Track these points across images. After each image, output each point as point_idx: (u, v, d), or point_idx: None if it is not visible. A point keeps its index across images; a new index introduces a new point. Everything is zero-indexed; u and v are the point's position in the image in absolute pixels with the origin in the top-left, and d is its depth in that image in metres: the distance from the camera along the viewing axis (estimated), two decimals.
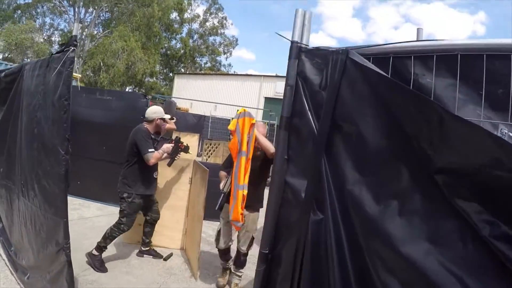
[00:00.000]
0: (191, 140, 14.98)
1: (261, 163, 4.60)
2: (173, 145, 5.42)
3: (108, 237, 5.03)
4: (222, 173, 4.95)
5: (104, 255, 5.17)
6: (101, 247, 5.03)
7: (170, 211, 6.12)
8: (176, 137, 5.66)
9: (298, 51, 2.26)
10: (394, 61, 2.08)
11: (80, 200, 8.01)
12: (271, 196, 2.37)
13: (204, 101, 15.90)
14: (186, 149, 5.63)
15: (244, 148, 4.06)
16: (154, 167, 5.36)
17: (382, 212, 1.81)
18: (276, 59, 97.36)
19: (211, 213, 5.73)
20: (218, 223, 5.09)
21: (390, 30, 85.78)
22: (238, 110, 4.38)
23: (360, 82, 1.97)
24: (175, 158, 5.53)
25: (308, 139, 2.19)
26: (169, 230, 6.14)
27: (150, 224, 5.62)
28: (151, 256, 5.66)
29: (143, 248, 5.69)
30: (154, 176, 5.41)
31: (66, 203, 3.54)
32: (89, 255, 5.05)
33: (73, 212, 7.19)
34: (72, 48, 3.38)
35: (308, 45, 2.26)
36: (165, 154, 5.29)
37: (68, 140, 3.44)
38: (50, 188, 3.65)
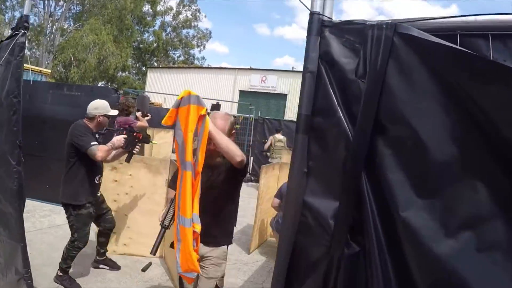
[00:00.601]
0: (165, 136, 14.37)
1: (225, 176, 2.95)
2: (125, 136, 4.33)
3: (67, 258, 4.34)
4: (171, 192, 3.19)
5: (76, 268, 4.59)
6: (63, 269, 4.37)
7: (146, 216, 5.48)
8: (128, 127, 4.78)
9: (319, 26, 1.65)
10: (462, 41, 1.48)
11: (51, 206, 7.20)
12: (285, 221, 1.77)
13: (178, 95, 15.28)
14: (146, 140, 4.56)
15: (189, 157, 2.33)
16: (97, 170, 4.46)
17: (452, 247, 1.28)
18: (249, 53, 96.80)
19: None
20: None
21: None
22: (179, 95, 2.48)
23: (418, 65, 1.39)
24: (134, 152, 4.44)
25: (339, 146, 1.59)
26: (146, 237, 5.47)
27: (105, 234, 4.89)
28: (108, 267, 4.97)
29: (98, 258, 4.98)
30: (96, 181, 4.47)
31: (22, 225, 2.82)
32: (56, 277, 4.39)
33: (43, 219, 6.58)
34: (22, 31, 2.65)
35: (331, 18, 1.67)
36: (114, 152, 4.31)
37: (20, 147, 2.67)
38: (2, 206, 2.91)
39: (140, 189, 5.52)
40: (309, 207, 1.68)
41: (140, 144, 4.52)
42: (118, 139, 4.25)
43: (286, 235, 1.74)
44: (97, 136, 4.37)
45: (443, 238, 1.30)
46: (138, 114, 7.12)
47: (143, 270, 5.04)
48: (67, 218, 4.33)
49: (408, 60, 1.42)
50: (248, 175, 13.94)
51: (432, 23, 1.51)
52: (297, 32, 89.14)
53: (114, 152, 4.29)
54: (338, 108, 1.59)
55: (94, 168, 4.37)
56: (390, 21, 1.46)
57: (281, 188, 5.88)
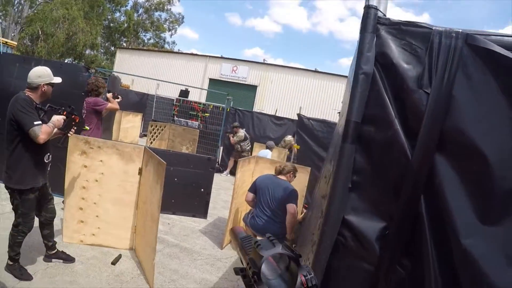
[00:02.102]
0: (134, 119, 13.89)
1: None
2: (65, 117, 4.01)
3: (14, 245, 4.00)
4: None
5: (41, 260, 4.31)
6: (12, 257, 4.04)
7: (116, 206, 5.20)
8: (69, 106, 4.18)
9: (375, 23, 1.45)
10: None
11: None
12: (322, 239, 1.55)
13: (148, 78, 14.67)
14: (80, 124, 4.31)
15: None
16: (45, 148, 4.00)
17: None
18: (219, 41, 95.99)
19: (163, 205, 4.62)
20: (171, 216, 4.01)
21: (335, 22, 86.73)
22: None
23: (490, 81, 1.22)
24: (69, 134, 4.17)
25: (392, 162, 1.40)
26: (116, 228, 5.22)
27: (47, 225, 4.43)
28: (61, 260, 4.55)
29: (49, 252, 4.54)
30: (46, 160, 4.05)
31: None
32: (7, 267, 4.07)
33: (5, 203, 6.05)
34: None
35: (386, 16, 1.46)
36: (56, 129, 3.97)
37: None
38: None
39: (111, 176, 5.20)
40: (349, 226, 1.48)
41: (75, 128, 4.25)
42: (58, 119, 3.93)
43: (321, 255, 1.53)
44: (39, 113, 3.85)
45: (506, 269, 1.14)
46: (109, 95, 6.78)
47: (113, 263, 4.76)
48: (11, 202, 3.96)
49: (478, 74, 1.26)
50: (216, 165, 13.70)
51: (507, 39, 1.32)
52: (268, 24, 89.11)
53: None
54: (395, 120, 1.39)
55: (42, 146, 3.86)
56: (460, 31, 1.28)
57: (256, 182, 5.74)
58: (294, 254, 0.94)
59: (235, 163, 13.03)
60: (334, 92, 29.05)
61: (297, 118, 14.20)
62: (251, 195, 5.76)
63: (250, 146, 12.56)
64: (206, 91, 30.76)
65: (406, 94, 1.38)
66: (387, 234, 1.38)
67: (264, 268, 0.95)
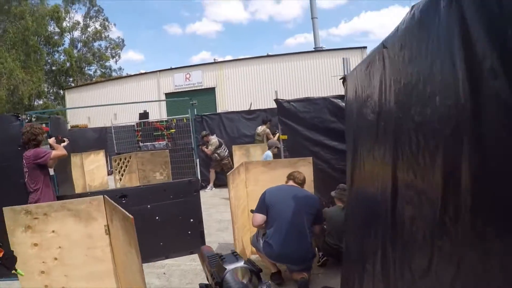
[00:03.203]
0: (97, 159, 12.29)
1: None
2: None
3: None
4: None
5: None
6: None
7: (92, 282, 3.81)
8: None
9: None
10: None
11: None
12: None
13: (97, 106, 13.26)
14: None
15: None
16: None
17: None
18: (166, 55, 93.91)
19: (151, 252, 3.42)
20: (165, 262, 2.97)
21: (272, 6, 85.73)
22: None
23: None
24: None
25: None
26: None
27: None
28: None
29: None
30: None
31: None
32: None
33: None
34: None
35: None
36: None
37: None
38: None
39: (72, 248, 3.79)
40: None
41: None
42: None
43: None
44: None
45: None
46: (51, 140, 5.39)
47: None
48: None
49: None
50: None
51: None
52: (208, 25, 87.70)
53: None
54: None
55: None
56: None
57: (265, 199, 4.45)
58: (255, 268, 1.05)
59: (217, 174, 11.72)
60: (292, 72, 27.82)
61: (268, 107, 13.02)
62: (261, 217, 4.50)
63: (227, 151, 11.15)
64: (165, 107, 29.19)
65: None
66: None
67: (229, 279, 1.04)
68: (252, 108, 14.48)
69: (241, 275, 1.20)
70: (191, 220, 5.99)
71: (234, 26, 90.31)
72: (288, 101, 7.05)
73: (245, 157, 9.56)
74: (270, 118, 11.38)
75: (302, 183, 4.75)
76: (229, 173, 4.91)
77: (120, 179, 9.73)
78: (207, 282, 1.34)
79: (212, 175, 11.53)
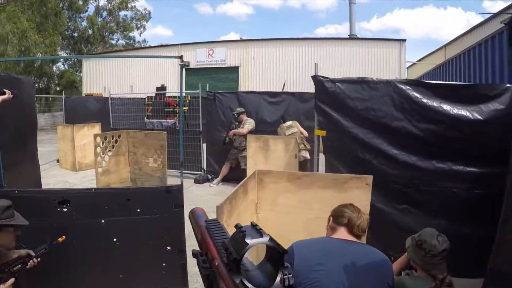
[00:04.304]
0: (91, 133, 10.05)
1: None
2: None
3: None
4: None
5: None
6: None
7: None
8: None
9: None
10: None
11: None
12: None
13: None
14: None
15: None
16: None
17: None
18: (194, 34, 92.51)
19: None
20: None
21: None
22: None
23: None
24: None
25: None
26: None
27: None
28: None
29: None
30: None
31: None
32: None
33: None
34: None
35: None
36: None
37: None
38: None
39: None
40: None
41: None
42: None
43: None
44: None
45: None
46: None
47: None
48: None
49: None
50: (202, 173, 10.00)
51: None
52: (239, 7, 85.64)
53: None
54: None
55: None
56: None
57: (294, 265, 2.14)
58: (280, 248, 0.83)
59: (231, 168, 9.41)
60: (323, 59, 25.17)
61: (297, 91, 10.69)
62: None
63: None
64: (184, 83, 26.98)
65: None
66: None
67: (247, 260, 0.85)
68: (285, 89, 12.15)
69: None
70: (168, 248, 3.78)
71: (265, 10, 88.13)
72: (333, 80, 4.65)
73: (262, 151, 7.14)
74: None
75: (363, 234, 2.39)
76: (224, 201, 2.60)
77: (103, 162, 7.52)
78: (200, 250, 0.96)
79: (225, 170, 9.20)
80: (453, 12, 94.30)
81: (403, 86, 4.41)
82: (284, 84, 14.60)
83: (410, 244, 2.75)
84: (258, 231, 0.85)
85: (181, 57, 4.83)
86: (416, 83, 4.47)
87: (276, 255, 0.84)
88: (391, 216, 4.45)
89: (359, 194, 3.19)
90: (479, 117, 4.27)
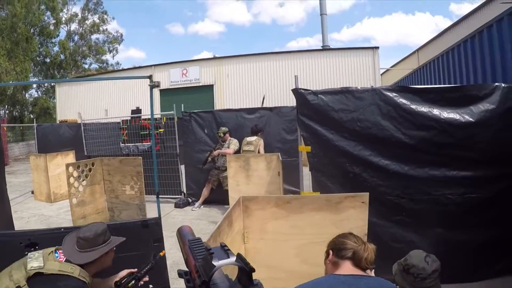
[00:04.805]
0: (64, 162, 9.52)
1: None
2: None
3: None
4: None
5: None
6: None
7: None
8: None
9: None
10: None
11: None
12: None
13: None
14: None
15: None
16: None
17: None
18: (167, 54, 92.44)
19: None
20: None
21: (275, 9, 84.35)
22: None
23: None
24: None
25: None
26: None
27: None
28: None
29: None
30: None
31: None
32: None
33: None
34: None
35: None
36: None
37: None
38: None
39: None
40: None
41: None
42: None
43: None
44: None
45: None
46: None
47: None
48: None
49: None
50: (182, 196, 9.57)
51: None
52: (211, 26, 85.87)
53: None
54: None
55: None
56: None
57: None
58: (247, 267, 0.84)
59: (212, 190, 9.02)
60: (298, 72, 25.04)
61: (274, 105, 10.41)
62: None
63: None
64: (159, 104, 26.54)
65: None
66: None
67: (217, 279, 0.87)
68: (264, 104, 11.89)
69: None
70: (150, 286, 3.40)
71: (236, 28, 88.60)
72: (315, 92, 4.37)
73: (243, 171, 6.80)
74: (262, 128, 8.70)
75: (372, 266, 2.07)
76: (208, 239, 2.26)
77: (77, 193, 7.06)
78: (186, 269, 0.98)
79: (206, 192, 8.77)
80: (422, 17, 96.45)
81: (389, 94, 4.18)
82: (264, 97, 14.35)
83: (396, 270, 2.45)
84: (226, 251, 0.88)
85: (150, 77, 4.46)
86: (402, 89, 4.23)
87: (245, 273, 0.85)
88: (387, 229, 4.20)
89: (355, 214, 2.89)
90: (470, 119, 4.08)
